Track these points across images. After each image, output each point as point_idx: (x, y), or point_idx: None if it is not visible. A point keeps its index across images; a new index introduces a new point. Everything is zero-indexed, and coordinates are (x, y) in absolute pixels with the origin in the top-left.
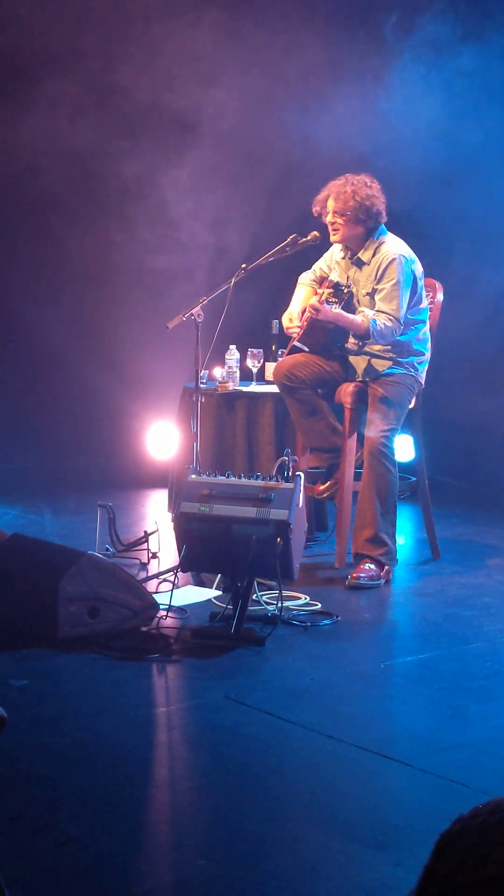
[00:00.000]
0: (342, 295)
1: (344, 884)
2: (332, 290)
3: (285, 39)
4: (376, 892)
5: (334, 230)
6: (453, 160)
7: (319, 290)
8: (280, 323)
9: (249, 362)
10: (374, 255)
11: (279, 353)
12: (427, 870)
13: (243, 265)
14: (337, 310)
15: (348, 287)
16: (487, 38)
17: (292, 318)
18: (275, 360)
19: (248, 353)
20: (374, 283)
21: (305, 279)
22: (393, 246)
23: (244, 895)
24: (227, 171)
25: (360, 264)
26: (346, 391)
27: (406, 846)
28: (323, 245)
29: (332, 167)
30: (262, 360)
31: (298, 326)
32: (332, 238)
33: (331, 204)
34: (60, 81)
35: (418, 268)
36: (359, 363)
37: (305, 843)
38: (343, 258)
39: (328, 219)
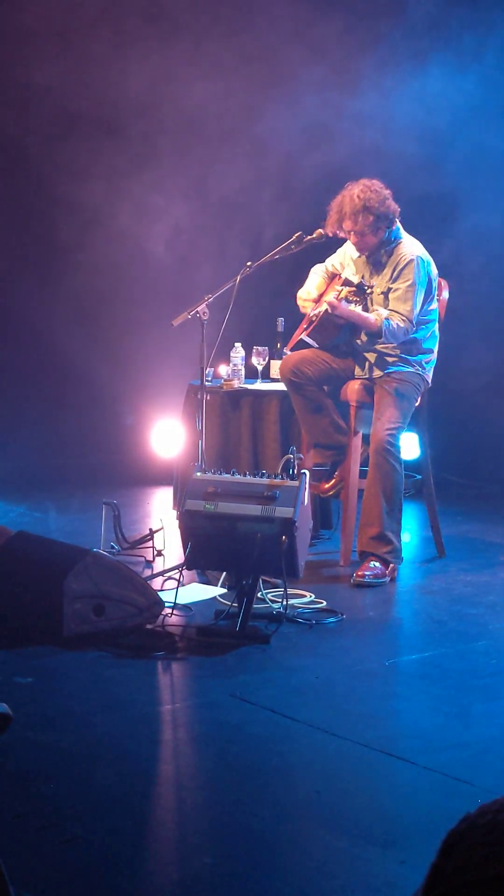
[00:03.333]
0: (364, 296)
1: (349, 881)
2: (353, 289)
3: (293, 31)
4: (381, 889)
5: (360, 248)
6: (461, 156)
7: (338, 287)
8: (285, 321)
9: (254, 360)
10: (391, 255)
11: (284, 350)
12: (434, 867)
13: (249, 263)
14: (354, 308)
15: (371, 287)
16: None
17: (309, 293)
18: (280, 358)
19: (254, 350)
20: (390, 283)
21: (318, 269)
22: (410, 247)
23: (249, 893)
24: (232, 168)
25: (376, 264)
26: (353, 388)
27: (411, 844)
28: (327, 243)
29: (338, 164)
30: (267, 358)
31: (312, 318)
32: (360, 251)
33: (346, 225)
34: (67, 69)
35: (434, 269)
36: (365, 360)
37: (310, 841)
38: (359, 257)
39: (350, 239)
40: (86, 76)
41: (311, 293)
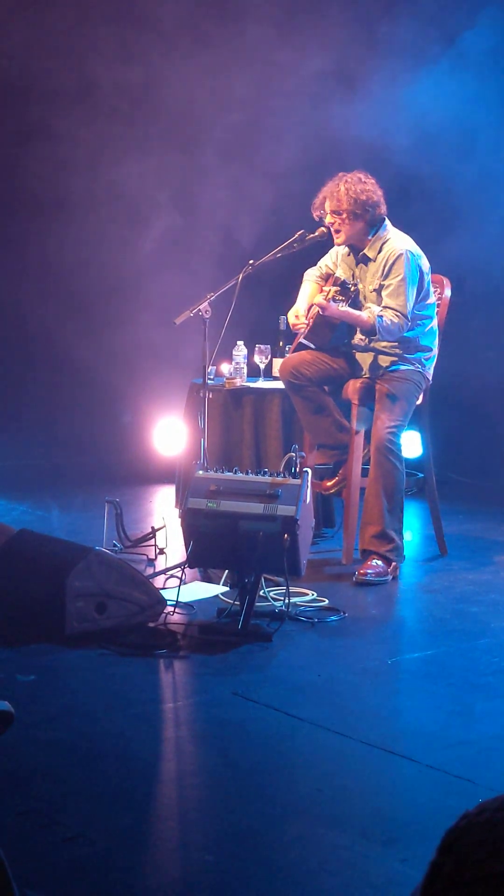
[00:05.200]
0: (349, 293)
1: (350, 880)
2: (338, 289)
3: (298, 30)
4: (383, 887)
5: (336, 231)
6: (469, 153)
7: (325, 288)
8: (287, 319)
9: (257, 358)
10: (379, 251)
11: (286, 349)
12: (433, 866)
13: (251, 261)
14: (344, 307)
15: (354, 285)
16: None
17: (298, 315)
18: (282, 356)
19: (256, 349)
20: (381, 280)
21: (311, 276)
22: (398, 242)
23: (251, 891)
24: (235, 166)
25: (365, 261)
26: (353, 388)
27: (412, 842)
28: (329, 241)
29: (342, 161)
30: (269, 356)
31: (304, 323)
32: (337, 241)
33: (328, 205)
34: (67, 74)
35: (425, 263)
36: (365, 359)
37: (312, 839)
38: (348, 255)
39: (328, 220)
40: (95, 71)
41: (301, 316)
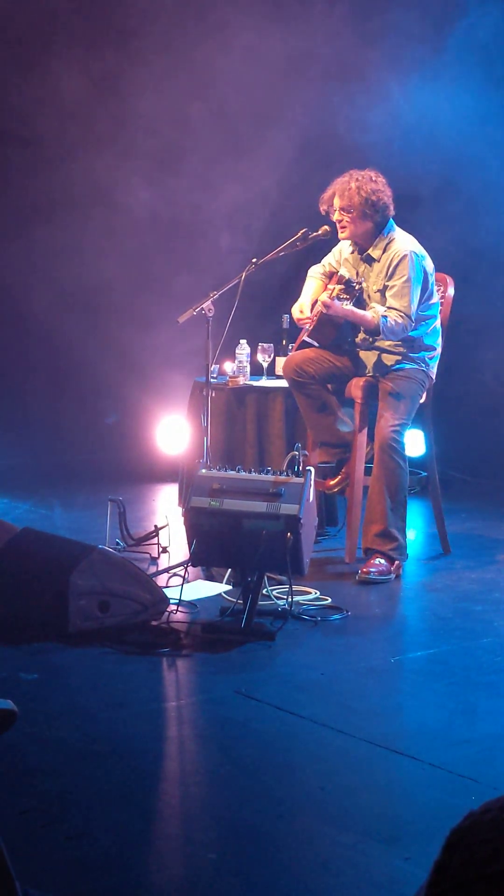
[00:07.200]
0: (353, 291)
1: (354, 878)
2: (343, 287)
3: (309, 22)
4: (386, 886)
5: (342, 227)
6: (473, 151)
7: (330, 286)
8: (290, 317)
9: (260, 357)
10: (384, 251)
11: (289, 347)
12: (437, 865)
13: (254, 259)
14: (348, 306)
15: (359, 283)
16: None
17: (303, 310)
18: (285, 355)
19: (259, 347)
20: (385, 280)
21: (315, 272)
22: (403, 242)
23: (254, 890)
24: (237, 165)
25: (370, 261)
26: (357, 386)
27: (415, 841)
28: (333, 239)
29: (346, 160)
30: (272, 355)
31: (309, 319)
32: (341, 235)
33: (336, 202)
34: (74, 71)
35: (429, 264)
36: (368, 358)
37: (315, 838)
38: (352, 254)
39: (335, 216)
40: (99, 72)
41: (305, 310)
